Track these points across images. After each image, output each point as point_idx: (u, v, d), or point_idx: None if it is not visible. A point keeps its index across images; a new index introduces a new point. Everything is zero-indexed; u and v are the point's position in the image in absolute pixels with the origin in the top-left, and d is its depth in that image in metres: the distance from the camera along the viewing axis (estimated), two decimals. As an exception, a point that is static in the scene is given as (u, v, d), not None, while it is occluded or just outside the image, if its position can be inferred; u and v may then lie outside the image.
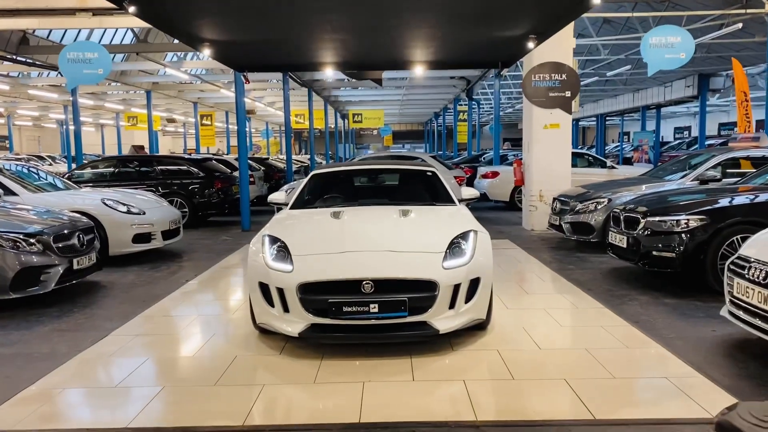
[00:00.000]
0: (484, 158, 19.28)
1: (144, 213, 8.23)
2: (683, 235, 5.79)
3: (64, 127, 27.87)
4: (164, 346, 4.65)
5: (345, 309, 4.01)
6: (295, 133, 51.84)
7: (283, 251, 4.39)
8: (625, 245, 6.40)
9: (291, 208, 5.60)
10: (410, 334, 4.12)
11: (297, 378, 3.90)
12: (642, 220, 6.20)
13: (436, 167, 12.81)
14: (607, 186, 9.07)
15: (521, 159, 11.16)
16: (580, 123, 43.41)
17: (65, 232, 6.16)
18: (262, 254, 4.42)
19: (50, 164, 24.74)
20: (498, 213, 13.69)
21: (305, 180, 6.08)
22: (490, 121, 41.34)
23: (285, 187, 12.63)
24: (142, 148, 20.07)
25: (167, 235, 8.48)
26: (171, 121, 34.71)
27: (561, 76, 10.36)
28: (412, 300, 4.05)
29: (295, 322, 4.17)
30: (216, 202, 12.01)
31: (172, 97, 24.96)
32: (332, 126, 32.08)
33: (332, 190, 6.13)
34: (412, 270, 4.13)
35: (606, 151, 33.84)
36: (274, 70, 13.23)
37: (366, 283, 4.02)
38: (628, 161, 27.50)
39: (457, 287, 4.18)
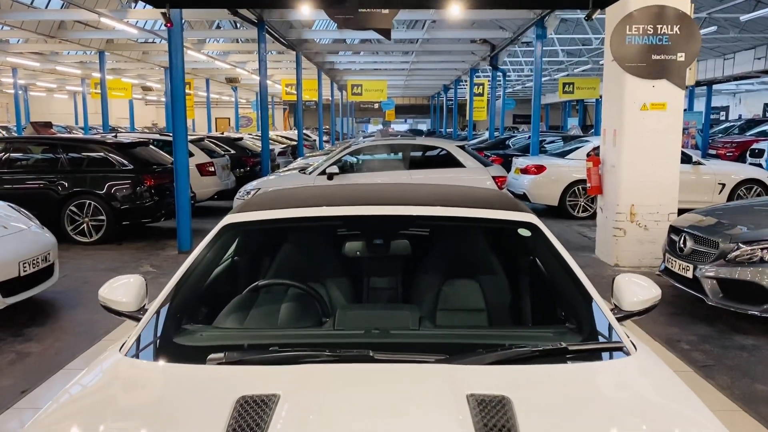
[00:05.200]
0: (512, 143, 15.50)
1: (-35, 251, 4.57)
2: None
3: (19, 92, 23.88)
4: None
5: None
6: (290, 106, 47.86)
7: None
8: None
9: (137, 347, 1.89)
10: None
11: None
12: None
13: (472, 168, 8.93)
14: (761, 213, 5.44)
15: (598, 155, 7.46)
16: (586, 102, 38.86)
17: None
18: None
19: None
20: (545, 222, 10.00)
21: (207, 239, 2.38)
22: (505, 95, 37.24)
23: (252, 185, 8.94)
24: (47, 126, 16.15)
25: (15, 286, 4.84)
26: (147, 89, 30.73)
27: (671, 30, 6.63)
28: None
29: None
30: (148, 206, 8.31)
31: (137, 60, 21.04)
32: (328, 99, 28.24)
33: (268, 273, 2.45)
34: None
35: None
36: (214, 5, 9.32)
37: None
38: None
39: None
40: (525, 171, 10.76)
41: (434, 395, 1.51)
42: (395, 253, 2.58)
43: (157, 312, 2.02)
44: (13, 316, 5.01)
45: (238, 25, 18.41)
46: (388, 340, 1.88)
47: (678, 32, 6.62)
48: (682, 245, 5.36)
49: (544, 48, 21.97)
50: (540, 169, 10.53)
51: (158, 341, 1.90)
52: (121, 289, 2.18)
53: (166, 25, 6.42)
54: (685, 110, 23.42)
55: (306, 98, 23.63)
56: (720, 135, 23.19)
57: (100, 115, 32.33)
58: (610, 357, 1.82)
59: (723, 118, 33.64)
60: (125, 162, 8.35)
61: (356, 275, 2.54)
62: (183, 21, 16.16)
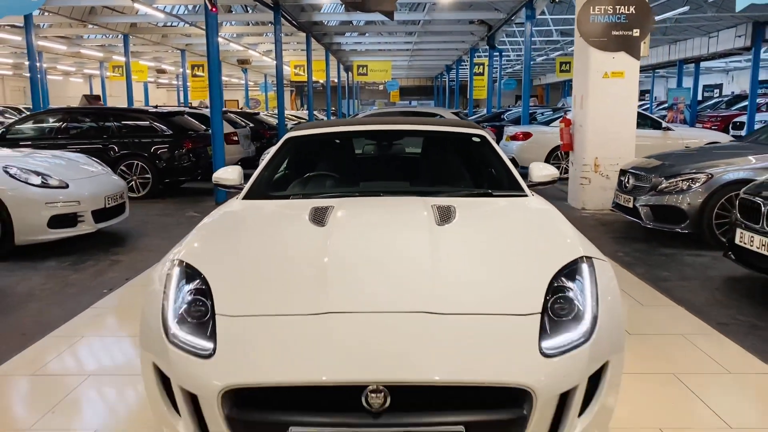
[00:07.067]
0: (506, 116, 16.82)
1: (67, 186, 5.97)
2: None
3: (41, 75, 25.22)
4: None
5: (326, 447, 1.81)
6: (296, 87, 49.08)
7: (203, 303, 2.15)
8: (772, 253, 4.13)
9: (246, 196, 3.31)
10: None
11: None
12: (810, 218, 3.92)
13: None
14: (694, 157, 6.75)
15: (569, 117, 8.79)
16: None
17: None
18: (162, 303, 2.18)
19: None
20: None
21: (276, 146, 3.77)
22: (505, 76, 38.38)
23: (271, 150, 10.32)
24: (96, 98, 17.58)
25: (102, 215, 6.24)
26: (161, 72, 32.05)
27: (628, 9, 7.92)
28: (476, 428, 1.84)
29: (221, 461, 1.96)
30: (186, 166, 9.72)
31: (155, 44, 22.35)
32: (335, 80, 29.49)
33: (318, 166, 3.83)
34: (474, 363, 1.89)
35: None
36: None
37: (373, 392, 1.81)
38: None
39: (566, 396, 1.96)
40: (514, 138, 12.08)
41: (414, 204, 2.90)
42: (396, 153, 4.01)
43: (251, 185, 3.40)
44: (99, 241, 6.44)
45: (249, 9, 19.69)
46: (391, 190, 3.29)
47: (634, 12, 7.91)
48: (626, 183, 6.72)
49: (539, 28, 23.16)
50: (527, 135, 11.86)
51: (259, 194, 3.29)
52: (227, 173, 3.56)
53: (211, 10, 7.74)
54: (673, 88, 24.56)
55: (313, 79, 24.91)
56: (708, 110, 24.42)
57: (115, 98, 33.58)
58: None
59: (717, 95, 34.69)
60: (166, 128, 9.72)
61: (371, 166, 4.00)
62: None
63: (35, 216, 5.69)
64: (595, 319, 2.09)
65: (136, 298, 4.64)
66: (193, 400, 1.97)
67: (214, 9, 7.76)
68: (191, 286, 2.21)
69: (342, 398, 1.84)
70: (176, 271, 2.29)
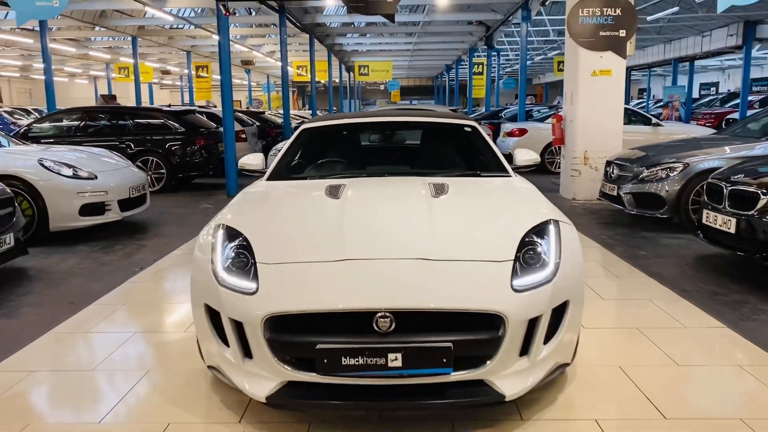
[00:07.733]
0: (504, 114, 17.35)
1: (96, 177, 6.50)
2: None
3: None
4: (57, 400, 2.99)
5: (344, 360, 2.33)
6: (298, 87, 49.61)
7: (245, 255, 2.68)
8: (732, 230, 4.65)
9: (269, 178, 3.85)
10: (456, 403, 2.43)
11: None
12: (763, 197, 4.44)
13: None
14: (675, 148, 7.25)
15: (561, 113, 9.31)
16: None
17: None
18: (210, 258, 2.71)
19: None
20: (527, 177, 11.85)
21: (292, 137, 4.30)
22: (505, 75, 38.91)
23: (281, 145, 10.85)
24: (113, 98, 18.14)
25: (127, 204, 6.77)
26: (166, 72, 32.61)
27: (615, 11, 8.43)
28: (461, 346, 2.36)
29: (262, 376, 2.49)
30: (198, 161, 10.24)
31: (162, 45, 22.88)
32: (336, 80, 30.02)
33: (330, 153, 4.36)
34: (460, 295, 2.42)
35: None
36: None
37: (382, 317, 2.33)
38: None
39: (534, 322, 2.49)
40: (510, 134, 12.60)
41: (414, 182, 3.43)
42: (397, 142, 4.57)
43: (273, 169, 3.94)
44: (123, 229, 6.98)
45: (253, 11, 20.21)
46: (394, 172, 3.83)
47: (620, 14, 8.42)
48: (611, 173, 7.24)
49: (537, 28, 23.68)
50: (522, 132, 12.38)
51: (280, 176, 3.82)
52: (251, 160, 4.10)
53: (225, 14, 8.27)
54: (669, 86, 25.04)
55: (316, 79, 25.46)
56: (703, 107, 24.93)
57: (120, 98, 34.08)
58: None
59: (713, 93, 35.18)
60: (179, 126, 10.24)
61: (376, 153, 4.55)
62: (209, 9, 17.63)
63: (67, 204, 6.22)
64: (557, 266, 2.61)
65: (165, 274, 5.18)
66: (239, 328, 2.50)
67: (227, 13, 8.29)
68: (234, 243, 2.74)
69: (357, 323, 2.36)
70: (220, 232, 2.82)
